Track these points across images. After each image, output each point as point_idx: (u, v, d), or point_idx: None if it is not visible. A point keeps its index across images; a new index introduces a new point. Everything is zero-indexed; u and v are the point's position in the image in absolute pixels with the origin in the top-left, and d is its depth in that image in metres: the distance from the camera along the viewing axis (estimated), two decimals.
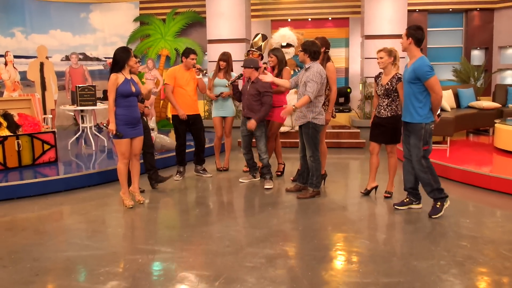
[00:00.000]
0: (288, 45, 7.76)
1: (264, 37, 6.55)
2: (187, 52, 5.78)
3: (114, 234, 4.20)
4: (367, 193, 5.18)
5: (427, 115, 4.29)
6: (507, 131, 6.63)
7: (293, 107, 4.79)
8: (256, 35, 6.58)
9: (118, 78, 4.64)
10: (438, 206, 4.37)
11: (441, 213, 4.33)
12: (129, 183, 5.05)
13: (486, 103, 8.53)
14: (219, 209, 4.93)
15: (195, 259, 3.48)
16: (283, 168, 6.21)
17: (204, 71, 5.87)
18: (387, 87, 4.75)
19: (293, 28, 8.26)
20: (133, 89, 4.73)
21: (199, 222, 4.35)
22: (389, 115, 4.81)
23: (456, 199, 4.84)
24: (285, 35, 7.79)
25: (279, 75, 5.73)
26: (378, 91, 4.88)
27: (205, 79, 6.37)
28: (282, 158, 6.20)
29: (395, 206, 4.68)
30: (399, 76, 4.70)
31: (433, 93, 4.21)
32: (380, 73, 4.92)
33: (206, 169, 6.19)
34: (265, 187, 5.58)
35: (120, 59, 4.68)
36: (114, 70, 4.69)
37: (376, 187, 5.17)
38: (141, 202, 4.98)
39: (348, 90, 12.01)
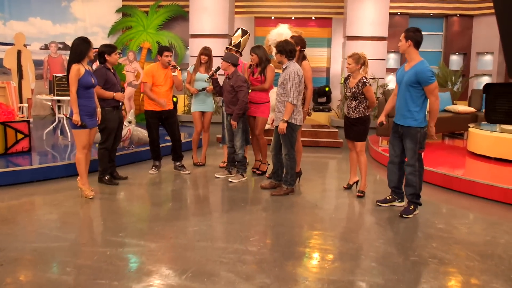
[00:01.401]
0: None
1: (244, 32, 6.50)
2: (161, 50, 5.74)
3: (84, 226, 4.17)
4: (349, 187, 5.35)
5: (423, 119, 4.34)
6: (480, 135, 6.79)
7: (283, 120, 4.82)
8: (237, 30, 6.55)
9: (80, 69, 4.65)
10: (411, 208, 4.47)
11: (411, 216, 4.43)
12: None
13: (462, 107, 8.70)
14: (192, 204, 4.92)
15: (164, 252, 3.47)
16: (267, 169, 6.10)
17: (179, 68, 5.81)
18: (354, 90, 4.91)
19: (293, 26, 8.11)
20: (93, 80, 4.78)
21: (171, 216, 4.34)
22: (357, 116, 4.98)
23: (428, 201, 4.94)
24: (282, 33, 7.51)
25: (262, 73, 5.73)
26: (346, 93, 5.00)
27: (185, 74, 6.33)
28: (266, 157, 6.10)
29: (378, 203, 4.78)
30: (364, 80, 4.86)
31: (433, 97, 4.24)
32: (348, 76, 5.04)
33: (184, 165, 6.16)
34: (229, 179, 5.63)
35: (81, 50, 4.67)
36: (74, 60, 4.66)
37: (357, 182, 5.31)
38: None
39: (327, 89, 12.08)
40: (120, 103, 5.38)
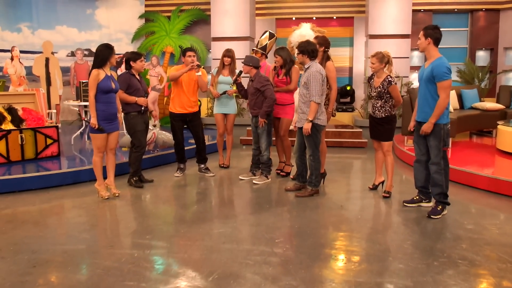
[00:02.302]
0: None
1: (271, 35, 6.52)
2: (184, 51, 5.82)
3: (111, 228, 4.25)
4: (374, 187, 5.30)
5: (445, 115, 4.26)
6: (510, 132, 6.61)
7: (308, 120, 4.81)
8: (264, 33, 6.56)
9: (100, 74, 4.74)
10: (439, 209, 4.38)
11: (439, 216, 4.34)
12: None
13: (490, 104, 8.49)
14: (217, 206, 4.96)
15: (190, 254, 3.50)
16: (291, 170, 6.08)
17: (202, 66, 5.84)
18: (379, 89, 4.86)
19: (315, 25, 7.94)
20: (113, 85, 4.84)
21: (196, 218, 4.38)
22: (382, 115, 4.93)
23: (457, 201, 4.84)
24: (304, 35, 7.33)
25: (287, 74, 5.72)
26: (371, 93, 4.95)
27: (209, 77, 6.37)
28: (290, 159, 6.07)
29: (404, 203, 4.72)
30: (390, 79, 4.81)
31: (444, 94, 4.16)
32: (372, 75, 5.00)
33: (208, 167, 6.19)
34: (254, 181, 5.64)
35: (103, 56, 4.78)
36: (95, 66, 4.78)
37: (383, 182, 5.26)
38: (117, 194, 5.09)
39: (348, 87, 11.93)
40: (143, 108, 5.45)
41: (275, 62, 5.77)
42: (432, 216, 4.33)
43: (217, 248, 3.59)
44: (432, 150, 4.33)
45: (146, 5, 12.89)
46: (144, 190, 5.40)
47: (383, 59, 4.81)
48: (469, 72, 11.31)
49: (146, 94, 5.50)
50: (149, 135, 6.56)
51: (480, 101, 8.87)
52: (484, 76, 11.32)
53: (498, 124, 7.06)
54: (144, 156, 5.95)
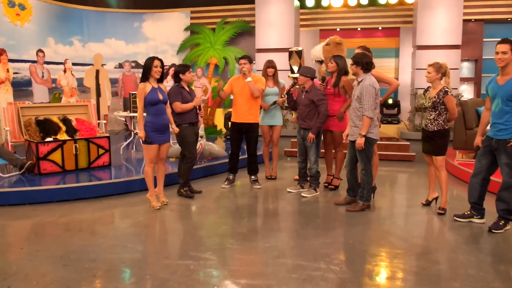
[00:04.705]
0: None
1: (299, 53, 6.61)
2: (238, 58, 5.87)
3: (165, 239, 4.30)
4: (428, 203, 5.15)
5: None
6: None
7: (361, 135, 4.74)
8: (296, 53, 6.63)
9: (146, 87, 4.89)
10: (501, 224, 4.22)
11: (502, 231, 4.17)
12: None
13: None
14: (267, 219, 4.92)
15: (245, 268, 3.48)
16: (339, 183, 5.98)
17: (251, 68, 5.86)
18: (434, 100, 4.71)
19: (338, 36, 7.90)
20: (161, 96, 4.94)
21: (247, 231, 4.36)
22: (435, 129, 4.77)
23: None
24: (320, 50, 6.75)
25: (336, 85, 5.62)
26: (426, 104, 4.81)
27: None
28: (339, 172, 5.97)
29: (455, 218, 4.59)
30: (446, 89, 4.66)
31: None
32: (428, 87, 4.88)
33: (257, 179, 6.17)
34: (302, 194, 5.58)
35: (145, 68, 4.94)
36: (142, 79, 4.97)
37: (437, 198, 5.10)
38: (165, 203, 5.22)
39: (390, 100, 11.57)
40: (197, 112, 5.54)
41: (328, 68, 5.62)
42: (493, 231, 4.20)
43: (272, 262, 3.55)
44: (503, 168, 4.15)
45: (192, 18, 13.16)
46: (194, 201, 5.44)
47: (440, 70, 4.67)
48: None
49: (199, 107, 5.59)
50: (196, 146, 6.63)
51: None
52: None
53: None
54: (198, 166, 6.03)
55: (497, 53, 4.10)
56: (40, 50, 10.60)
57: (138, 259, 3.65)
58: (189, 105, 5.38)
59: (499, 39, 4.15)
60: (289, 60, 6.80)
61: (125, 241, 4.09)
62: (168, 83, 10.00)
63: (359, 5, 12.03)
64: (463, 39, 10.63)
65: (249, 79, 5.75)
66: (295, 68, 6.67)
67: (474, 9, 11.39)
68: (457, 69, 10.60)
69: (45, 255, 3.73)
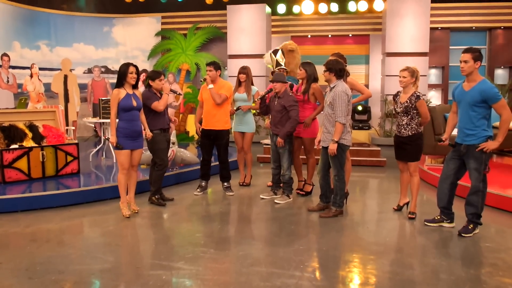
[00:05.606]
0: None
1: (275, 52, 6.57)
2: (206, 64, 5.84)
3: (137, 248, 4.18)
4: (399, 208, 5.20)
5: (489, 139, 4.20)
6: None
7: (333, 141, 4.75)
8: (274, 52, 6.56)
9: (120, 93, 4.83)
10: (470, 227, 4.32)
11: (471, 235, 4.28)
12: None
13: (510, 123, 8.35)
14: (241, 226, 4.88)
15: (218, 277, 3.43)
16: (311, 190, 6.00)
17: (216, 75, 5.77)
18: (406, 104, 4.76)
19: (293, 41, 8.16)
20: (134, 103, 4.88)
21: (221, 239, 4.31)
22: (410, 133, 4.82)
23: (486, 224, 4.71)
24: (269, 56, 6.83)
25: (307, 91, 5.64)
26: (397, 109, 4.87)
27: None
28: (311, 178, 5.99)
29: (426, 222, 4.66)
30: (418, 94, 4.74)
31: (506, 111, 4.12)
32: (398, 92, 4.94)
33: (230, 186, 6.10)
34: (275, 201, 5.58)
35: (119, 75, 4.88)
36: (117, 85, 4.90)
37: (408, 203, 5.15)
38: (136, 211, 5.12)
39: (359, 107, 11.76)
40: (168, 127, 5.46)
41: (298, 75, 5.67)
42: (463, 235, 4.28)
43: (246, 271, 3.51)
44: (472, 173, 4.25)
45: (163, 23, 13.04)
46: (166, 208, 5.35)
47: (414, 74, 4.76)
48: None
49: (167, 117, 5.51)
50: (168, 153, 6.53)
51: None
52: (504, 95, 11.19)
53: None
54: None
55: (460, 62, 4.25)
56: (5, 54, 10.27)
57: (108, 270, 3.54)
58: (163, 100, 5.31)
59: (464, 47, 4.28)
60: (275, 56, 6.69)
61: (95, 251, 3.96)
62: (139, 89, 9.85)
63: (329, 12, 12.21)
64: (431, 47, 10.91)
65: (210, 86, 5.68)
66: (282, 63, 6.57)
67: (441, 18, 11.73)
68: (425, 75, 10.87)
69: (9, 267, 3.57)
